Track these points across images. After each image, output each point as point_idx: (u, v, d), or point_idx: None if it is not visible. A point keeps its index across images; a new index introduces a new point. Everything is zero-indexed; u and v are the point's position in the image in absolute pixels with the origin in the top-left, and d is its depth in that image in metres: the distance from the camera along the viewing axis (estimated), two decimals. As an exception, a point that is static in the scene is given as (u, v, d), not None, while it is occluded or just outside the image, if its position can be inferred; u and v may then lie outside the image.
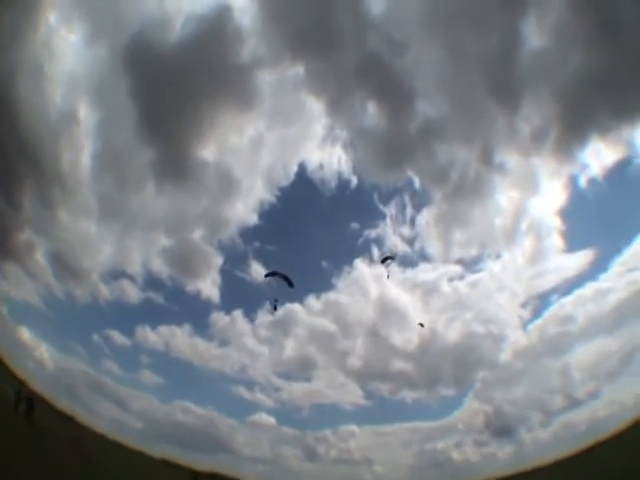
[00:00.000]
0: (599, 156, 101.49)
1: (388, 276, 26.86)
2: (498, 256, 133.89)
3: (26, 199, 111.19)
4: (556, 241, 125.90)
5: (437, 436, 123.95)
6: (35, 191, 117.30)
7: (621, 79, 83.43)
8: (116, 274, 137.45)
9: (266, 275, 25.84)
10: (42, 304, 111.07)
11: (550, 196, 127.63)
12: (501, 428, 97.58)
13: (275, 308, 26.52)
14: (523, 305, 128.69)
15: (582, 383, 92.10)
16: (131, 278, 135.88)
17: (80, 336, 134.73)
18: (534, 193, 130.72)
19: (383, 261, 26.08)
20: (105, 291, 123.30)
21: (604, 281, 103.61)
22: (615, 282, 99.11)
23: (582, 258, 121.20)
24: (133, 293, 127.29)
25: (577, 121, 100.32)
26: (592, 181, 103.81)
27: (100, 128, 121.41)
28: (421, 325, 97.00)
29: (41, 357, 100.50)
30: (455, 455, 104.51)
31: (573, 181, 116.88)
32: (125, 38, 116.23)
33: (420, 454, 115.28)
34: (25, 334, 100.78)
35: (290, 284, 25.34)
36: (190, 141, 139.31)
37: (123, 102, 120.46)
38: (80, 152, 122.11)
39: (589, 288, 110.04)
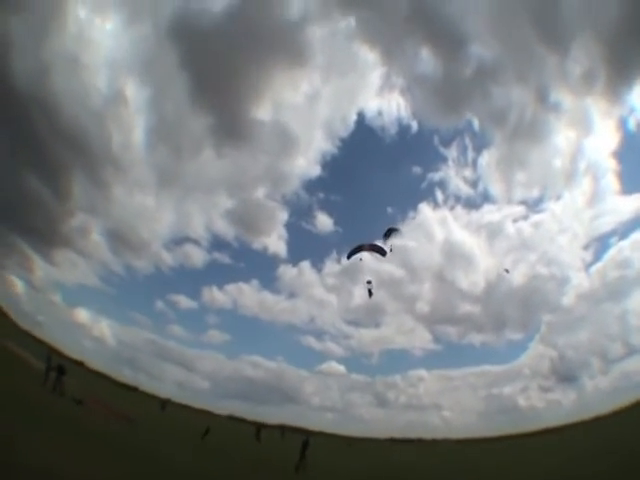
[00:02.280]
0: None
1: (391, 250, 21.30)
2: (559, 197, 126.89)
3: (75, 186, 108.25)
4: (612, 182, 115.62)
5: (504, 381, 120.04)
6: (86, 176, 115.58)
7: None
8: (179, 240, 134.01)
9: (349, 256, 21.04)
10: (100, 282, 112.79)
11: (604, 137, 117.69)
12: (565, 374, 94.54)
13: (370, 293, 21.39)
14: (585, 247, 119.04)
15: (639, 330, 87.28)
16: (195, 242, 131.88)
17: (143, 306, 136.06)
18: (589, 133, 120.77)
19: (386, 235, 20.80)
20: (168, 258, 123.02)
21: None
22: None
23: (636, 201, 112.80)
24: (198, 256, 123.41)
25: (622, 64, 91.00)
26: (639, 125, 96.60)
27: (151, 104, 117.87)
28: (506, 271, 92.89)
29: (101, 334, 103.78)
30: (521, 401, 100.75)
31: (623, 123, 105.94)
32: (167, 12, 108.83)
33: (487, 399, 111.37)
34: (82, 315, 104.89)
35: (382, 253, 20.65)
36: (246, 103, 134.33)
37: (172, 75, 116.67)
38: (131, 130, 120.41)
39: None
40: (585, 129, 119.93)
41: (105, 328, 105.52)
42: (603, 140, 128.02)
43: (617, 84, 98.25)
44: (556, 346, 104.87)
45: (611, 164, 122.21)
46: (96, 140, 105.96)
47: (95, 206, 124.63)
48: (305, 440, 19.19)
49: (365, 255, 20.67)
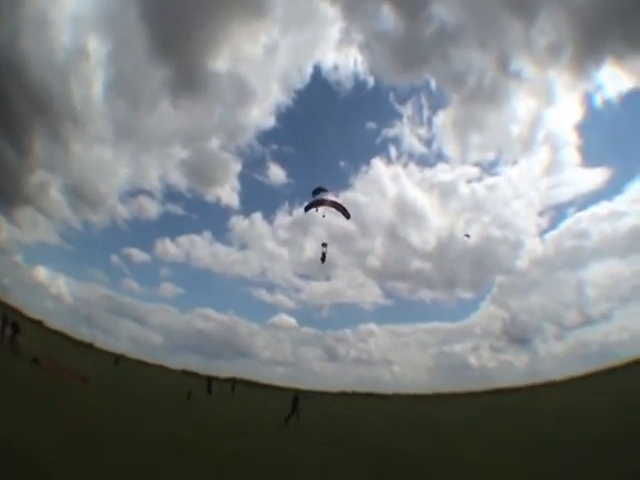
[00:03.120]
0: (614, 80, 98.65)
1: (324, 215, 19.23)
2: (515, 162, 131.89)
3: (36, 142, 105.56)
4: (572, 155, 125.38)
5: (455, 339, 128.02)
6: (46, 132, 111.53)
7: (637, 11, 74.96)
8: (134, 192, 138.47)
9: (307, 208, 18.98)
10: (59, 239, 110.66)
11: (566, 110, 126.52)
12: (517, 336, 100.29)
13: (324, 257, 19.23)
14: (540, 214, 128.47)
15: (595, 302, 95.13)
16: (149, 194, 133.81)
17: (99, 261, 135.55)
18: (550, 104, 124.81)
19: (314, 193, 19.20)
20: (123, 211, 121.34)
21: (619, 203, 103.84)
22: (629, 207, 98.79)
23: (597, 175, 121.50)
24: (152, 208, 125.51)
25: (592, 42, 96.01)
26: (607, 103, 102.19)
27: (111, 58, 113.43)
28: (467, 236, 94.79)
29: (59, 292, 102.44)
30: (472, 359, 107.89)
31: (588, 99, 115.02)
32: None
33: (438, 356, 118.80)
34: (41, 274, 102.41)
35: (346, 215, 19.01)
36: (204, 54, 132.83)
37: (133, 29, 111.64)
38: (91, 85, 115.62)
39: (604, 207, 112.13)
40: (546, 100, 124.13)
41: (63, 285, 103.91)
42: (565, 113, 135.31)
43: (585, 59, 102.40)
44: (508, 308, 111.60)
45: (573, 137, 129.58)
46: (58, 96, 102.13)
47: (54, 162, 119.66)
48: (295, 397, 20.17)
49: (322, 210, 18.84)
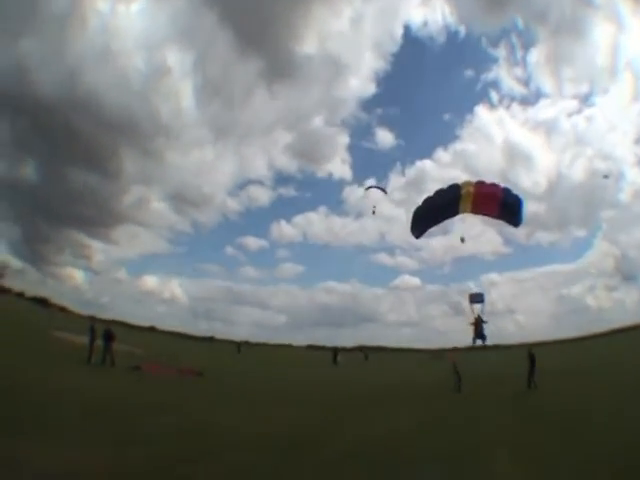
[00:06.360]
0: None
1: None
2: (606, 91, 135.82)
3: (125, 163, 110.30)
4: None
5: (572, 280, 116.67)
6: (136, 152, 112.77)
7: None
8: (243, 184, 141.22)
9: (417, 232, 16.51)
10: (168, 245, 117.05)
11: (636, 34, 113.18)
12: (628, 272, 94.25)
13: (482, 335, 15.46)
14: (636, 141, 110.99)
15: None
16: (259, 182, 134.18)
17: (213, 256, 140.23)
18: (623, 29, 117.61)
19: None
20: (234, 204, 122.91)
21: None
22: None
23: None
24: (263, 195, 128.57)
25: None
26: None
27: (196, 65, 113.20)
28: (606, 177, 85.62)
29: (172, 295, 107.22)
30: (590, 301, 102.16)
31: None
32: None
33: (558, 300, 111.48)
34: (150, 282, 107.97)
35: (514, 220, 16.25)
36: (291, 40, 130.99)
37: (213, 31, 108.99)
38: (179, 97, 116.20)
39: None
40: (620, 24, 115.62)
41: (176, 287, 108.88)
42: (636, 37, 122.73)
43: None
44: (618, 243, 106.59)
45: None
46: (143, 117, 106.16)
47: (150, 176, 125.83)
48: (531, 353, 18.34)
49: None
